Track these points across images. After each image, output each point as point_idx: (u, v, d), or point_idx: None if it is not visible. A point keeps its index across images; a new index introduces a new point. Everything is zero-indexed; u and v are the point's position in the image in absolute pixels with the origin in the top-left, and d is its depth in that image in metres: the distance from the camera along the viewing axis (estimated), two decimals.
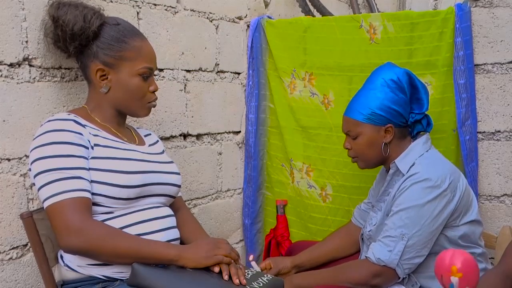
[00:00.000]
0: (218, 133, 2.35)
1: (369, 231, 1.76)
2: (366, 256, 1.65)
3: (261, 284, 1.40)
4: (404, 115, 1.70)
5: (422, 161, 1.66)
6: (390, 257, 1.59)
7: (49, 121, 1.40)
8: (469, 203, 1.66)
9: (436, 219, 1.58)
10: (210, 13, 2.25)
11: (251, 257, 1.74)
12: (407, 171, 1.66)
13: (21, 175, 1.52)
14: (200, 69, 2.21)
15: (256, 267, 1.69)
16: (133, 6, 1.87)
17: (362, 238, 1.84)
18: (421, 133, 1.77)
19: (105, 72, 1.48)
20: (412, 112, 1.72)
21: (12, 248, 1.51)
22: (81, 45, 1.47)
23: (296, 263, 1.88)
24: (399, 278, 1.62)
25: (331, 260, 1.89)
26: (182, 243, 1.56)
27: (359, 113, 1.70)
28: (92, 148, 1.41)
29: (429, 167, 1.64)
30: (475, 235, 1.69)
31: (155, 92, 1.56)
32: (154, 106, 1.59)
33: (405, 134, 1.74)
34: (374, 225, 1.73)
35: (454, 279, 1.11)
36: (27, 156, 1.51)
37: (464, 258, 1.12)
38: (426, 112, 1.73)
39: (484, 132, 2.10)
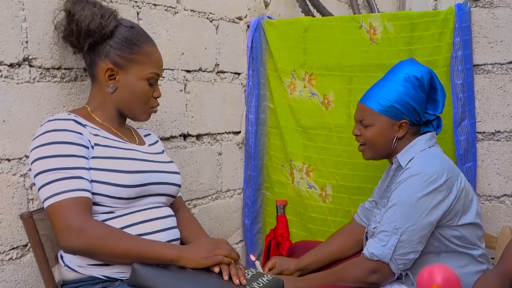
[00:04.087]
0: (218, 133, 2.35)
1: (374, 228, 1.75)
2: (362, 253, 1.65)
3: (261, 285, 1.40)
4: (420, 113, 1.70)
5: (421, 156, 1.66)
6: (383, 251, 1.58)
7: (49, 121, 1.40)
8: (467, 204, 1.65)
9: (430, 214, 1.58)
10: (210, 13, 2.25)
11: (253, 257, 1.73)
12: (406, 165, 1.66)
13: (21, 175, 1.52)
14: (200, 69, 2.21)
15: (259, 267, 1.69)
16: (133, 6, 1.87)
17: (367, 237, 1.84)
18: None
19: (114, 72, 1.49)
20: (426, 112, 1.72)
21: (12, 248, 1.51)
22: (95, 42, 1.48)
23: (300, 266, 1.87)
24: (395, 274, 1.62)
25: (336, 261, 1.88)
26: (182, 243, 1.56)
27: (377, 103, 1.69)
28: (93, 147, 1.41)
29: (427, 162, 1.63)
30: (473, 237, 1.68)
31: (158, 99, 1.58)
32: (155, 111, 1.60)
33: (417, 132, 1.74)
34: (379, 222, 1.72)
35: None
36: (27, 156, 1.51)
37: (443, 274, 1.11)
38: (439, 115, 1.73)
39: (484, 132, 2.10)
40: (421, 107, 1.69)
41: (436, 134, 1.76)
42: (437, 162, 1.65)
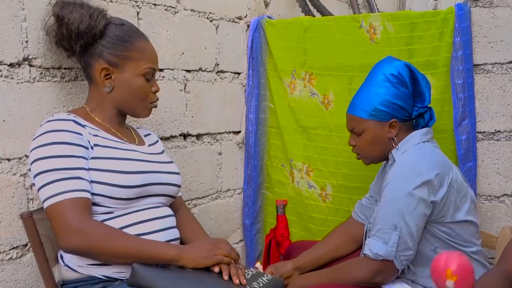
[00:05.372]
0: (218, 133, 2.35)
1: (369, 223, 1.76)
2: (364, 254, 1.64)
3: (261, 284, 1.40)
4: (407, 108, 1.70)
5: (414, 150, 1.66)
6: (387, 250, 1.58)
7: (48, 121, 1.40)
8: (459, 200, 1.64)
9: (422, 205, 1.57)
10: (210, 13, 2.25)
11: (258, 265, 1.75)
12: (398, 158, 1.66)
13: (21, 175, 1.52)
14: (200, 69, 2.21)
15: (260, 269, 1.70)
16: (133, 6, 1.87)
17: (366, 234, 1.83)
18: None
19: (110, 72, 1.49)
20: (415, 105, 1.72)
21: (12, 248, 1.51)
22: (87, 43, 1.48)
23: (297, 265, 1.86)
24: (399, 271, 1.62)
25: (333, 260, 1.87)
26: (182, 243, 1.56)
27: (362, 110, 1.70)
28: (92, 148, 1.41)
29: (419, 156, 1.64)
30: (467, 234, 1.67)
31: (156, 93, 1.57)
32: (155, 106, 1.60)
33: (410, 127, 1.74)
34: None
35: (450, 283, 1.10)
36: (27, 156, 1.51)
37: (459, 261, 1.12)
38: (429, 106, 1.73)
39: (484, 132, 2.10)
40: (406, 102, 1.69)
41: (431, 125, 1.75)
42: (427, 156, 1.65)
